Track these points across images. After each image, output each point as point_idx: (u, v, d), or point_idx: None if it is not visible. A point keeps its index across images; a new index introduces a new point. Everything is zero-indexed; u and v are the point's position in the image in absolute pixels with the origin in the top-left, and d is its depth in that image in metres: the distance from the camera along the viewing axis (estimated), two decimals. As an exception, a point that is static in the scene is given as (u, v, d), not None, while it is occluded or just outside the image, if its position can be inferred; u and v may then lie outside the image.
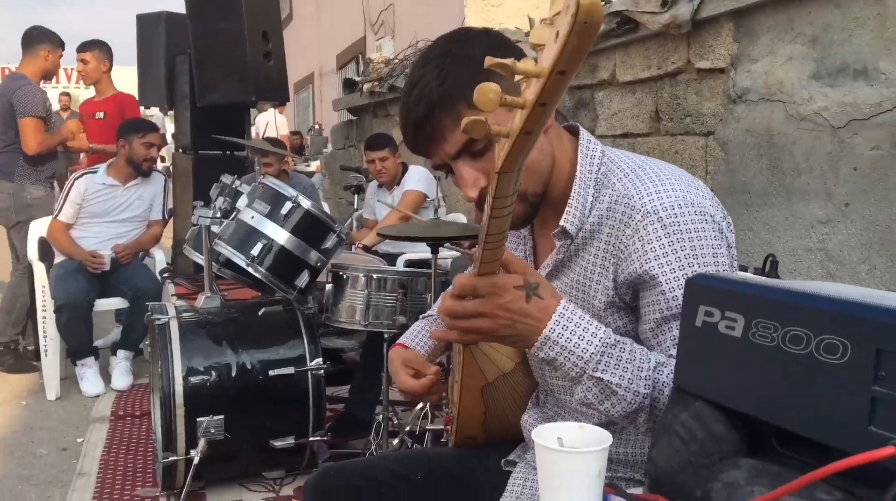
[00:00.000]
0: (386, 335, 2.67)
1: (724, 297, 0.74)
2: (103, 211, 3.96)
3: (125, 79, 5.74)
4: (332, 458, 2.82)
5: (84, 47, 4.73)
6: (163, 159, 5.77)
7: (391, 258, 3.69)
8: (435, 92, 1.09)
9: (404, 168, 4.23)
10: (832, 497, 0.62)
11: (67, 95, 11.28)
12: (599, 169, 1.16)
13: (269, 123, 8.94)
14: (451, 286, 1.06)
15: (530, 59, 0.73)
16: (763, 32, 2.53)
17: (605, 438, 0.80)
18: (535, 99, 0.70)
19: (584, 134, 1.20)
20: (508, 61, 0.70)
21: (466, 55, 1.09)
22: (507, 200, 0.87)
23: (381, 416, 2.72)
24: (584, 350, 1.00)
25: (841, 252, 2.32)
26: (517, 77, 0.72)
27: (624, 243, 1.09)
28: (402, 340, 1.50)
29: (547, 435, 0.80)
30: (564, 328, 1.00)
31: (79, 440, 3.25)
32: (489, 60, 0.71)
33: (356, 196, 5.00)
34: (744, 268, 2.25)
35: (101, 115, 4.85)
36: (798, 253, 2.47)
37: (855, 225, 2.26)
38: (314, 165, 8.93)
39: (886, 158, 2.15)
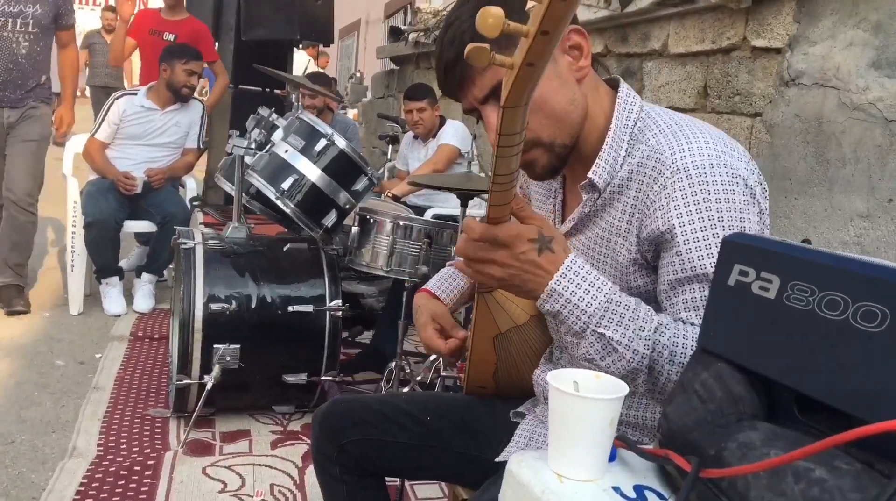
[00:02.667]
0: (406, 284, 2.67)
1: (762, 257, 0.72)
2: (140, 133, 3.97)
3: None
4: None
5: None
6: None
7: (420, 211, 3.68)
8: (467, 34, 1.06)
9: (442, 121, 4.19)
10: (852, 467, 0.60)
11: (112, 10, 8.38)
12: (636, 124, 1.13)
13: (309, 62, 8.87)
14: (467, 218, 1.06)
15: None
16: (826, 15, 2.44)
17: (621, 388, 0.79)
18: (537, 27, 0.68)
19: (623, 87, 1.17)
20: None
21: None
22: (515, 138, 0.85)
23: (393, 363, 2.74)
24: (588, 304, 0.99)
25: (877, 249, 2.26)
26: (528, 6, 0.70)
27: (651, 198, 1.07)
28: (428, 285, 1.49)
29: (564, 379, 0.79)
30: (570, 281, 0.99)
31: (97, 355, 3.32)
32: None
33: (390, 146, 4.97)
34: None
35: (170, 37, 4.56)
36: (833, 246, 2.41)
37: (895, 222, 2.20)
38: (352, 113, 8.88)
39: (938, 156, 2.08)
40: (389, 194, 3.76)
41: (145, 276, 3.97)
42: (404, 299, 2.70)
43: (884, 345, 0.60)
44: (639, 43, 3.35)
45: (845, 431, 0.60)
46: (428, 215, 3.59)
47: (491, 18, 0.68)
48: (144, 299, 3.93)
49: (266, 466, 2.43)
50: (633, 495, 0.75)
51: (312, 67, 8.27)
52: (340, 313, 2.65)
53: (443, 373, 2.48)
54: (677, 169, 1.04)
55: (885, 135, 2.23)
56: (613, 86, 1.19)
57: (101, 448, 2.48)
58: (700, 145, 1.05)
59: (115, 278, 3.87)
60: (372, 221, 2.66)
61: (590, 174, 1.12)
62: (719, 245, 1.00)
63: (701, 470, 0.68)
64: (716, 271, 0.77)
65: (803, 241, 2.25)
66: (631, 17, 3.32)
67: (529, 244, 0.99)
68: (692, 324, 1.02)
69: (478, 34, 1.04)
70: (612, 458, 0.80)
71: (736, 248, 0.75)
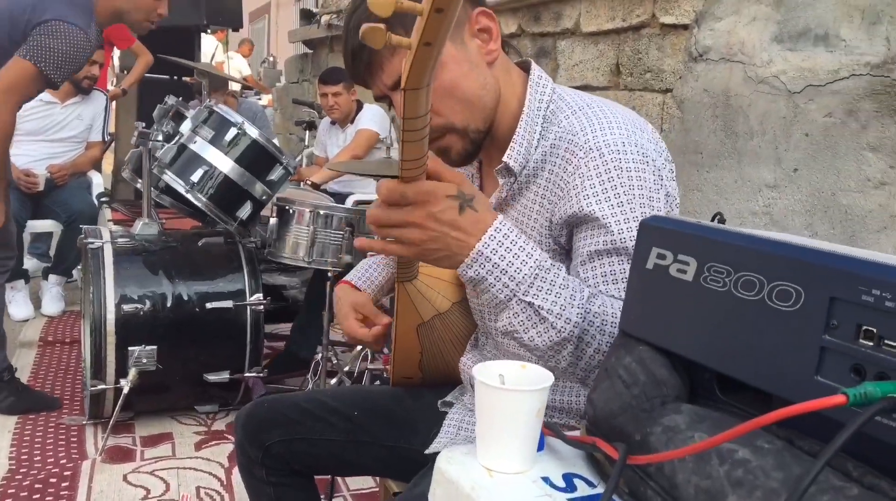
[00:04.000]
0: (330, 274, 2.62)
1: (679, 239, 0.72)
2: (39, 129, 3.77)
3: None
4: (267, 395, 2.78)
5: None
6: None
7: (340, 198, 3.61)
8: (371, 19, 1.03)
9: (359, 107, 4.12)
10: (773, 446, 0.60)
11: None
12: (548, 107, 1.12)
13: (217, 47, 8.60)
14: (381, 181, 0.98)
15: None
16: (730, -9, 2.50)
17: (546, 378, 0.78)
18: (430, 4, 0.66)
19: (535, 70, 1.15)
20: None
21: None
22: (418, 121, 0.81)
23: (320, 355, 2.69)
24: (518, 270, 0.92)
25: (785, 217, 2.35)
26: None
27: (565, 180, 1.05)
28: (349, 277, 1.46)
29: (489, 372, 0.78)
30: (500, 244, 0.91)
31: (4, 364, 3.14)
32: None
33: (307, 132, 4.87)
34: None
35: None
36: (744, 215, 2.49)
37: (801, 191, 2.29)
38: (266, 99, 8.67)
39: (838, 126, 2.16)
40: (309, 182, 3.68)
41: (52, 278, 3.79)
42: (328, 289, 2.65)
43: (798, 324, 0.61)
44: (551, 22, 3.37)
45: (765, 409, 0.60)
46: (349, 201, 3.54)
47: None
48: (53, 303, 3.75)
49: (191, 469, 2.36)
50: (562, 484, 0.75)
51: (221, 53, 8.02)
52: (262, 307, 2.59)
53: (369, 366, 2.44)
54: (590, 149, 1.04)
55: (788, 107, 2.30)
56: (525, 68, 1.17)
57: (14, 462, 2.35)
58: (612, 125, 1.05)
59: (21, 282, 3.68)
60: (291, 211, 2.60)
61: (504, 158, 1.10)
62: (630, 221, 1.00)
63: (628, 457, 0.67)
64: (634, 254, 0.77)
65: (715, 215, 2.32)
66: (542, -4, 3.33)
67: (448, 201, 0.89)
68: (613, 297, 1.00)
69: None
70: (540, 447, 0.79)
71: (653, 231, 0.75)
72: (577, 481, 0.75)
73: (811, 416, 0.57)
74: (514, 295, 0.93)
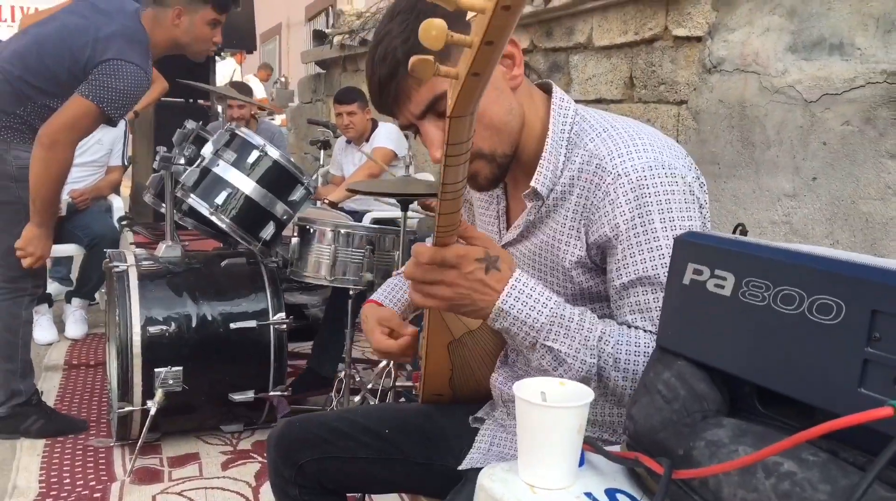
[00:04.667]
0: (351, 292, 2.64)
1: (715, 255, 0.73)
2: (60, 155, 3.81)
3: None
4: (291, 414, 2.80)
5: None
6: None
7: (358, 216, 3.64)
8: (399, 49, 1.05)
9: (374, 125, 4.16)
10: (818, 458, 0.61)
11: None
12: (572, 128, 1.14)
13: (235, 70, 8.70)
14: (416, 244, 1.06)
15: None
16: (742, 2, 2.52)
17: (586, 394, 0.79)
18: (481, 38, 0.68)
19: (557, 92, 1.17)
20: None
21: (433, 9, 1.05)
22: (462, 146, 0.85)
23: (342, 373, 2.70)
24: (535, 320, 1.02)
25: (805, 226, 2.35)
26: (469, 16, 0.70)
27: (595, 204, 1.08)
28: (375, 296, 1.47)
29: (530, 389, 0.79)
30: (516, 299, 1.02)
31: (30, 387, 3.17)
32: None
33: (323, 152, 4.92)
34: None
35: None
36: (763, 225, 2.49)
37: (821, 200, 2.29)
38: (279, 119, 8.75)
39: (856, 134, 2.17)
40: (326, 201, 3.71)
41: (76, 301, 3.83)
42: (350, 307, 2.67)
43: (840, 336, 0.62)
44: (564, 37, 3.39)
45: (807, 422, 0.62)
46: (367, 218, 3.56)
47: (434, 30, 0.67)
48: (77, 326, 3.79)
49: (219, 488, 2.37)
50: (605, 499, 0.76)
51: (238, 76, 8.11)
52: (285, 326, 2.61)
53: (395, 382, 2.46)
54: (618, 174, 1.06)
55: (805, 116, 2.31)
56: (546, 90, 1.19)
57: (44, 485, 2.37)
58: (637, 148, 1.07)
59: (45, 306, 3.72)
60: (312, 230, 2.62)
61: (532, 183, 1.13)
62: (662, 248, 1.03)
63: (673, 472, 0.68)
64: (670, 270, 0.78)
65: (737, 226, 2.33)
66: (555, 12, 3.35)
67: (477, 264, 1.00)
68: (636, 327, 1.06)
69: (411, 49, 1.03)
70: (580, 462, 0.81)
71: (689, 247, 0.76)
72: (619, 496, 0.76)
73: (855, 427, 0.58)
74: (537, 341, 1.03)
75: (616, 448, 0.83)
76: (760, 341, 0.68)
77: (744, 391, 0.73)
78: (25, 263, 2.41)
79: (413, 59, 0.71)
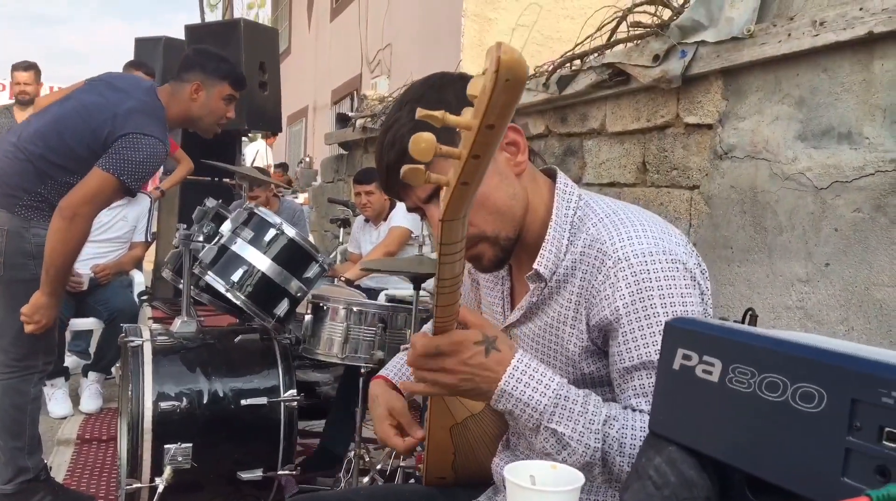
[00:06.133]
0: (363, 370, 2.64)
1: (703, 341, 0.74)
2: (86, 230, 3.91)
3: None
4: (299, 493, 2.76)
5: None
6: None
7: (373, 294, 3.67)
8: (406, 137, 1.10)
9: (392, 204, 4.24)
10: (803, 549, 0.61)
11: (26, 69, 5.16)
12: (575, 213, 1.17)
13: (258, 151, 8.95)
14: (414, 335, 1.09)
15: (469, 109, 0.73)
16: (751, 92, 2.58)
17: (577, 478, 0.79)
18: (468, 151, 0.71)
19: (561, 178, 1.21)
20: (438, 113, 0.71)
21: (439, 100, 1.10)
22: (455, 246, 0.88)
23: (352, 452, 2.68)
24: (538, 402, 1.02)
25: (820, 312, 2.33)
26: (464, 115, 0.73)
27: (596, 288, 1.10)
28: (384, 372, 1.48)
29: (520, 473, 0.79)
30: (518, 380, 1.02)
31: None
32: (420, 112, 0.72)
33: (342, 230, 4.99)
34: (724, 320, 2.26)
35: None
36: (777, 310, 2.48)
37: (834, 286, 2.28)
38: (302, 198, 8.93)
39: (867, 221, 2.17)
40: (343, 278, 3.75)
41: (92, 375, 3.86)
42: (360, 385, 2.66)
43: (822, 425, 0.62)
44: (578, 123, 3.48)
45: (796, 511, 0.61)
46: (381, 296, 3.59)
47: (423, 143, 0.71)
48: (92, 400, 3.81)
49: (223, 570, 2.33)
50: (595, 588, 0.74)
51: (261, 157, 8.33)
52: (296, 403, 2.60)
53: (402, 464, 2.43)
54: (619, 259, 1.08)
55: (816, 202, 2.33)
56: (550, 175, 1.23)
57: (46, 563, 2.34)
58: (639, 234, 1.09)
59: (61, 380, 3.75)
60: (325, 308, 2.65)
61: (535, 265, 1.15)
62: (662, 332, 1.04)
63: (660, 560, 0.68)
64: (661, 355, 0.79)
65: (746, 311, 2.32)
66: (569, 99, 3.45)
67: (475, 347, 1.01)
68: (641, 411, 1.05)
69: None
70: (572, 549, 0.80)
71: (678, 333, 0.77)
72: (610, 585, 0.75)
73: (841, 518, 0.57)
74: (540, 423, 1.02)
75: (610, 536, 0.82)
76: (747, 428, 0.68)
77: (734, 478, 0.73)
78: (28, 329, 2.44)
79: (404, 168, 0.74)
